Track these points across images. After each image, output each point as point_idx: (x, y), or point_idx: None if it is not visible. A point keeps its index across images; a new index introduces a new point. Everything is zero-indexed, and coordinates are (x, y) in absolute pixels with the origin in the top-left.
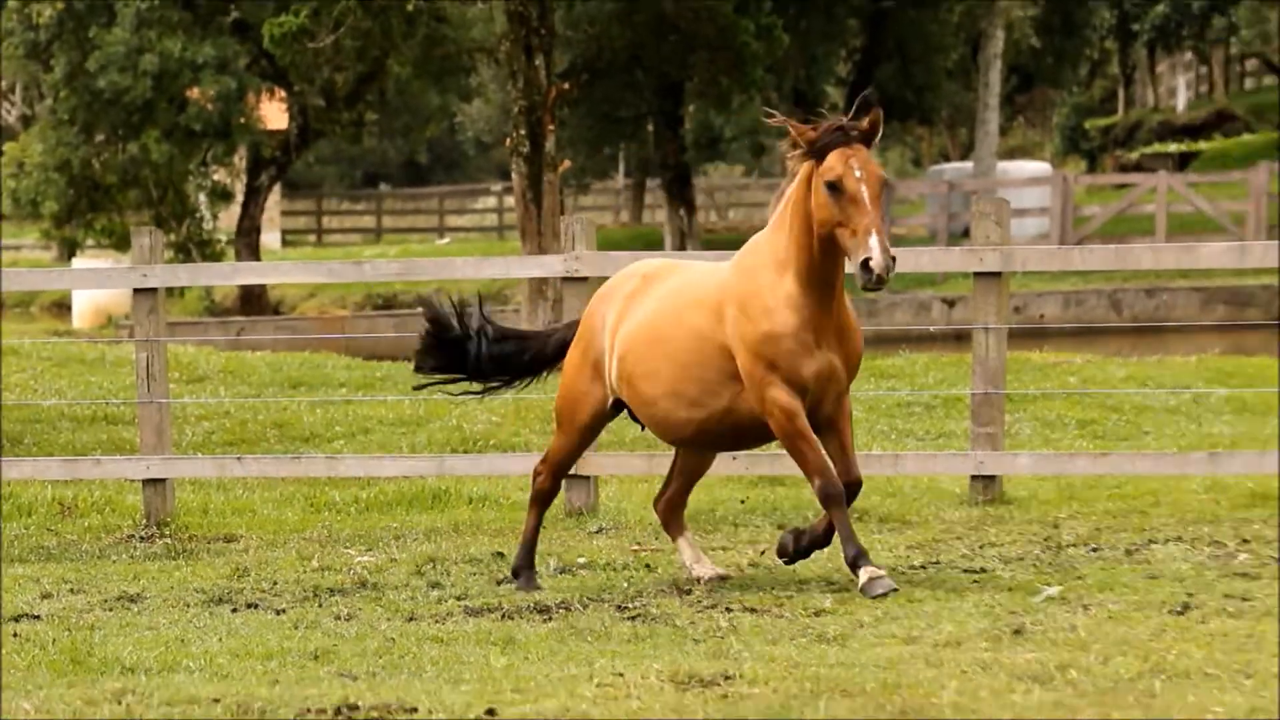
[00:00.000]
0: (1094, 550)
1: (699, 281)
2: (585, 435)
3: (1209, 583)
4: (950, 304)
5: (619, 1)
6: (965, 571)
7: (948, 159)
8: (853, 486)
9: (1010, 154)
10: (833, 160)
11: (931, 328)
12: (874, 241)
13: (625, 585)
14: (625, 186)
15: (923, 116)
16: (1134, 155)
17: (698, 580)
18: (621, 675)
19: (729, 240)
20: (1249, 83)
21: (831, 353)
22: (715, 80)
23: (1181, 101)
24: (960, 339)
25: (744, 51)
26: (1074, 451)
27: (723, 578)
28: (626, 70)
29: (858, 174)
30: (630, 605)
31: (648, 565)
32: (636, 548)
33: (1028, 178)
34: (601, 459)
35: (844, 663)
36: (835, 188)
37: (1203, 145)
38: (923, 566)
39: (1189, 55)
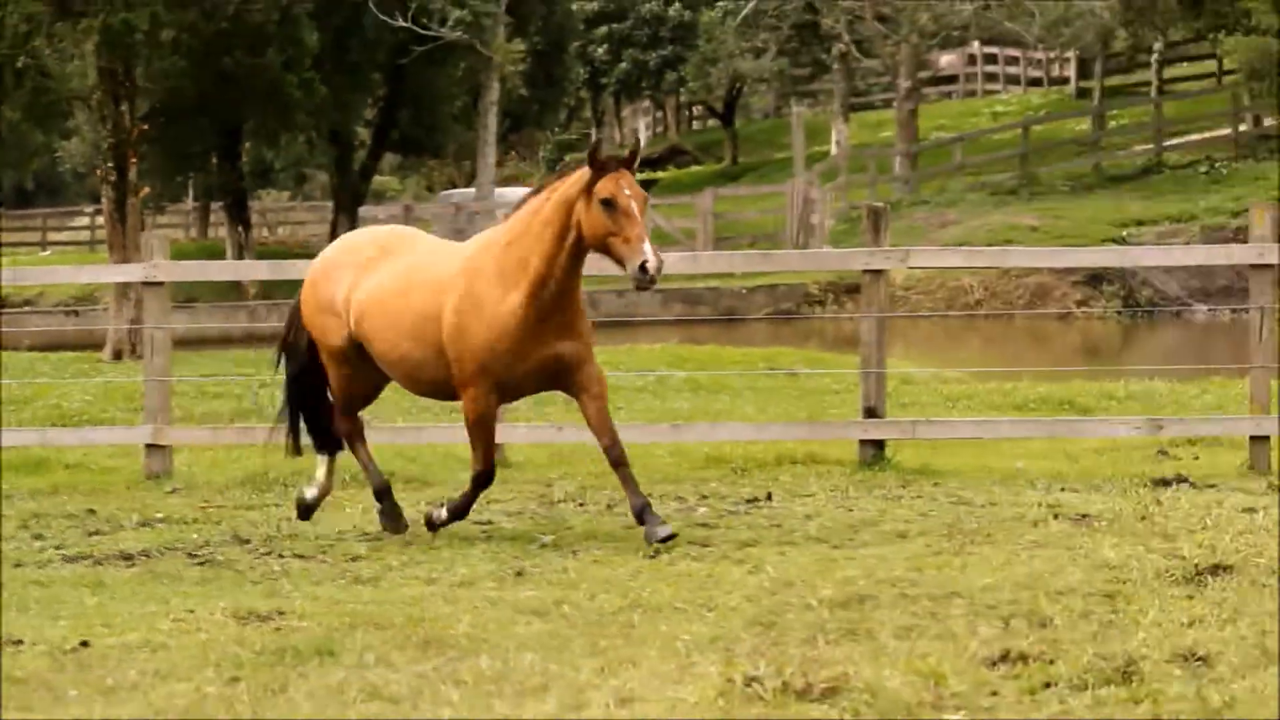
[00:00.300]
0: (580, 505)
1: (428, 267)
2: (348, 359)
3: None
4: None
5: (189, 60)
6: (475, 523)
7: (455, 186)
8: (616, 449)
9: (506, 181)
10: (606, 182)
11: None
12: (647, 247)
13: (195, 536)
14: (194, 208)
15: (434, 151)
16: None
17: (300, 493)
18: (193, 612)
19: (278, 252)
20: (696, 125)
21: (560, 342)
22: (266, 122)
23: (642, 139)
24: None
25: (289, 100)
26: (562, 423)
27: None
28: (195, 114)
29: (627, 192)
30: (199, 553)
31: (215, 520)
32: (205, 505)
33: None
34: (175, 432)
35: (377, 600)
36: (609, 204)
37: (660, 175)
38: None
39: (647, 102)
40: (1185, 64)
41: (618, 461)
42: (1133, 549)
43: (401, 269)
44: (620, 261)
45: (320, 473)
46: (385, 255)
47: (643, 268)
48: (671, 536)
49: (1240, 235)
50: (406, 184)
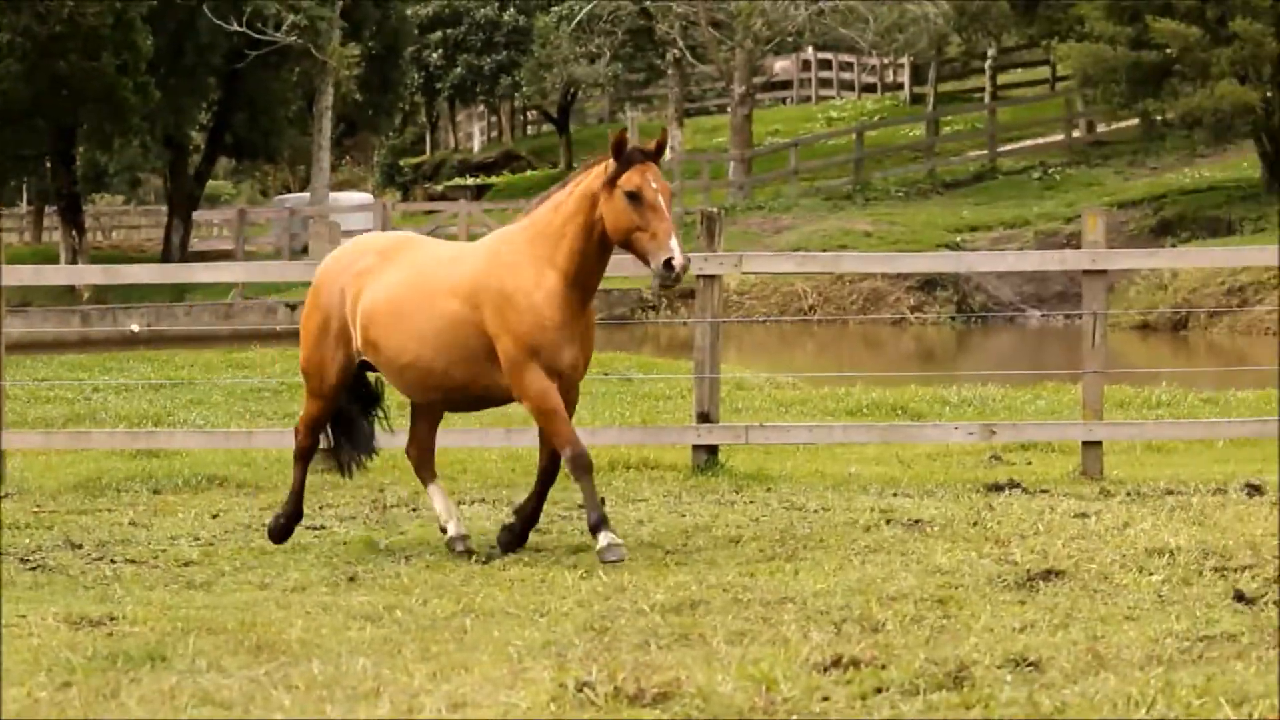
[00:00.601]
0: (413, 510)
1: (444, 266)
2: (336, 395)
3: None
4: (293, 307)
5: (22, 64)
6: (308, 528)
7: (290, 190)
8: (555, 467)
9: (340, 186)
10: (632, 174)
11: (277, 326)
12: (674, 243)
13: (28, 541)
14: (28, 212)
15: (268, 156)
16: (440, 187)
17: (443, 531)
18: (24, 617)
19: (113, 256)
20: (531, 130)
21: (577, 348)
22: (100, 126)
23: (477, 144)
24: None
25: (124, 104)
26: (397, 428)
27: (464, 538)
28: (29, 118)
29: (654, 185)
30: (31, 558)
31: (47, 525)
32: (37, 509)
33: (355, 205)
34: (8, 436)
35: (209, 605)
36: (635, 197)
37: (495, 180)
38: None
39: (482, 107)
40: (1019, 70)
41: (547, 478)
42: (965, 554)
43: (412, 271)
44: (644, 258)
45: (439, 505)
46: (387, 260)
47: (668, 264)
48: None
49: (1074, 241)
50: (241, 188)
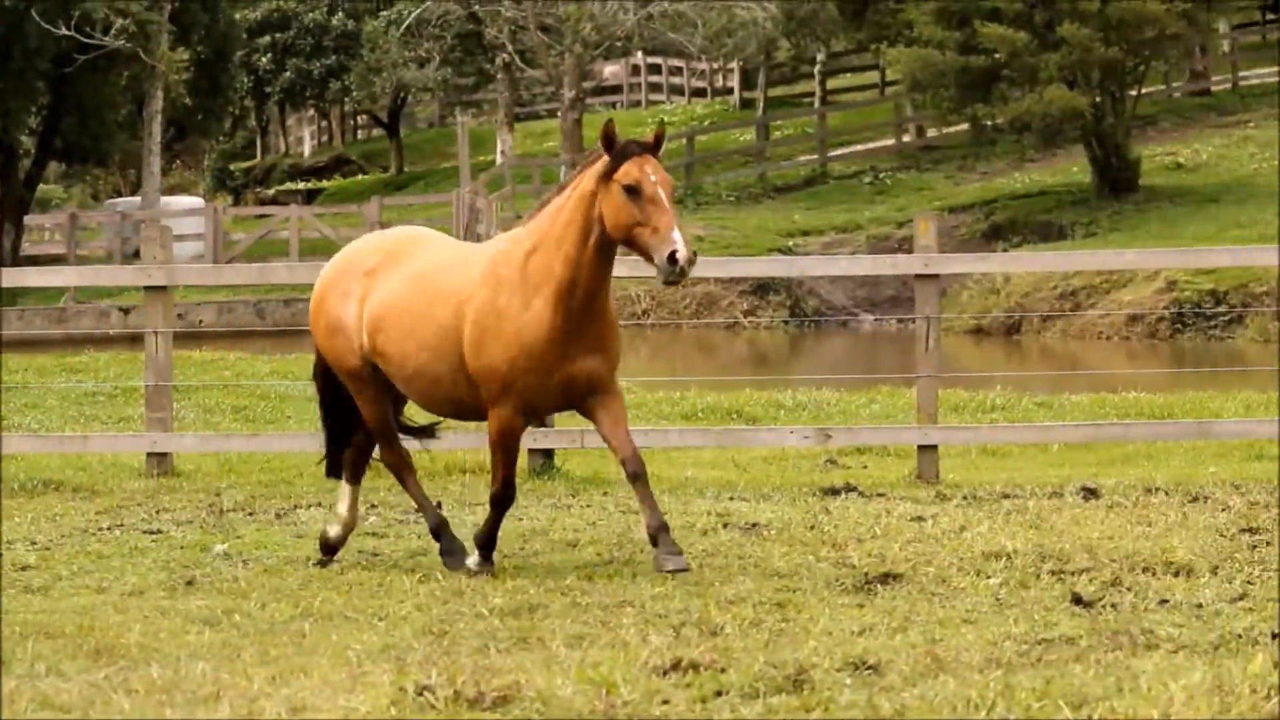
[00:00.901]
0: (250, 514)
1: (445, 275)
2: (378, 392)
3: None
4: (126, 311)
5: None
6: (145, 533)
7: (120, 194)
8: (633, 462)
9: (171, 190)
10: (629, 167)
11: (111, 331)
12: (677, 235)
13: None
14: None
15: (99, 160)
16: (271, 191)
17: (324, 533)
18: None
19: None
20: (361, 134)
21: (587, 358)
22: None
23: (308, 148)
24: (135, 340)
25: None
26: (230, 432)
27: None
28: None
29: (653, 178)
30: None
31: None
32: None
33: (186, 209)
34: None
35: (47, 610)
36: (633, 190)
37: (326, 184)
38: (109, 529)
39: (312, 111)
40: (848, 75)
41: (636, 475)
42: (802, 558)
43: (416, 274)
44: (646, 254)
45: (342, 506)
46: (392, 261)
47: (671, 258)
48: (682, 570)
49: (905, 245)
50: (72, 192)
